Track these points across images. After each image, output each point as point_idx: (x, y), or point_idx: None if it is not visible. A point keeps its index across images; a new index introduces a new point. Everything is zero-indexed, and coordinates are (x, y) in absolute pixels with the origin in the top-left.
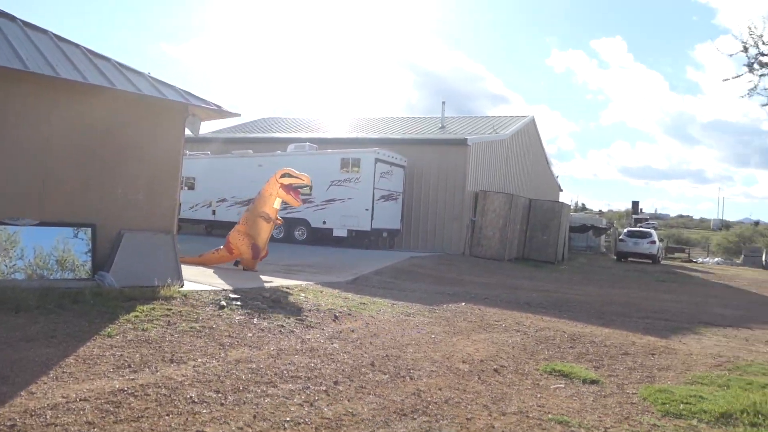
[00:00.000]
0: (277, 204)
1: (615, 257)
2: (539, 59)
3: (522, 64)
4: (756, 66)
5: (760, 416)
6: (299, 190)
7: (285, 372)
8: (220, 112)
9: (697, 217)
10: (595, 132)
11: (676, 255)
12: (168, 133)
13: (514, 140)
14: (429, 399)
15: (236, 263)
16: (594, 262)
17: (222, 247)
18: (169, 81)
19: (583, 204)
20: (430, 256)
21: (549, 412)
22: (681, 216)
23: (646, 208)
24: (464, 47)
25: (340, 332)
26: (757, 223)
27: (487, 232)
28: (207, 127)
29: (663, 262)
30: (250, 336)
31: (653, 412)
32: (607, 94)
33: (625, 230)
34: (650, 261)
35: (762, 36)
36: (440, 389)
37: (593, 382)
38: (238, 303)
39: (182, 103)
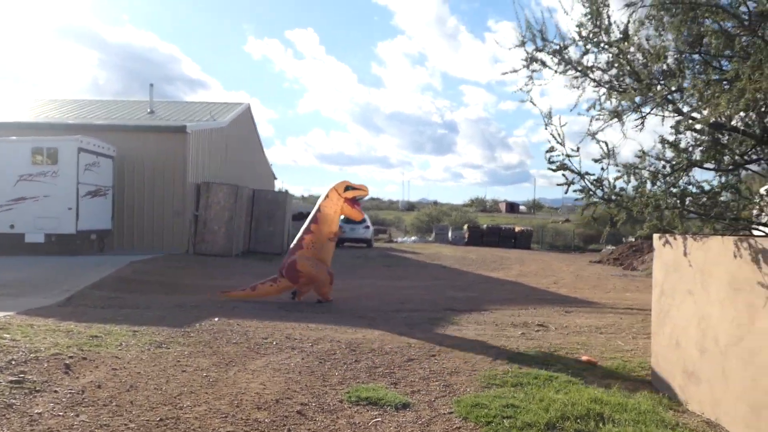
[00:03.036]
0: (338, 220)
1: None
2: (237, 45)
3: (219, 49)
4: (531, 61)
5: (579, 421)
6: (359, 201)
7: None
8: None
9: (386, 199)
10: (294, 120)
11: (380, 236)
12: None
13: (232, 128)
14: None
15: (293, 295)
16: None
17: (278, 277)
18: None
19: (286, 190)
20: (152, 258)
21: None
22: (373, 198)
23: None
24: (156, 27)
25: (83, 392)
26: (435, 202)
27: (212, 227)
28: None
29: (374, 245)
30: None
31: None
32: (303, 83)
33: (342, 217)
34: (365, 245)
35: (542, 31)
36: None
37: (405, 405)
38: None
39: None
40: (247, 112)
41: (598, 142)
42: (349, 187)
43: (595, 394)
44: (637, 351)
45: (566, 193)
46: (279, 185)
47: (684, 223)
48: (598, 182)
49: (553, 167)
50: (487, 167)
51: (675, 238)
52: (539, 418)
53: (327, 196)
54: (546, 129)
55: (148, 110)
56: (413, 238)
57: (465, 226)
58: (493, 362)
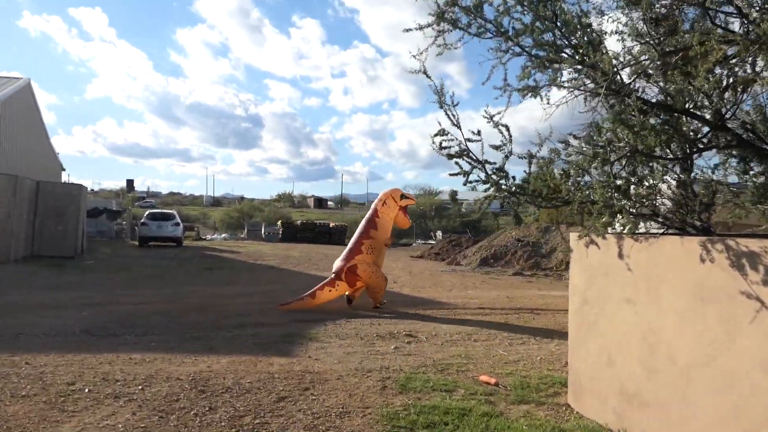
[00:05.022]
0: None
1: (138, 243)
2: (9, 19)
3: None
4: (441, 18)
5: None
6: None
7: None
8: None
9: (187, 193)
10: (80, 107)
11: (188, 233)
12: None
13: (7, 108)
14: None
15: (349, 301)
16: (120, 252)
17: (336, 280)
18: None
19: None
20: None
21: None
22: (173, 193)
23: (138, 186)
24: None
25: None
26: (242, 198)
27: None
28: None
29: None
30: None
31: None
32: (91, 67)
33: (147, 213)
34: (175, 244)
35: None
36: None
37: None
38: None
39: None
40: (27, 91)
41: (496, 125)
42: (403, 196)
43: None
44: (526, 362)
45: (465, 185)
46: (65, 178)
47: (632, 220)
48: (501, 172)
49: (450, 153)
50: (293, 162)
51: (604, 238)
52: None
53: (384, 203)
54: (441, 108)
55: None
56: (224, 235)
57: (279, 222)
58: (383, 392)
